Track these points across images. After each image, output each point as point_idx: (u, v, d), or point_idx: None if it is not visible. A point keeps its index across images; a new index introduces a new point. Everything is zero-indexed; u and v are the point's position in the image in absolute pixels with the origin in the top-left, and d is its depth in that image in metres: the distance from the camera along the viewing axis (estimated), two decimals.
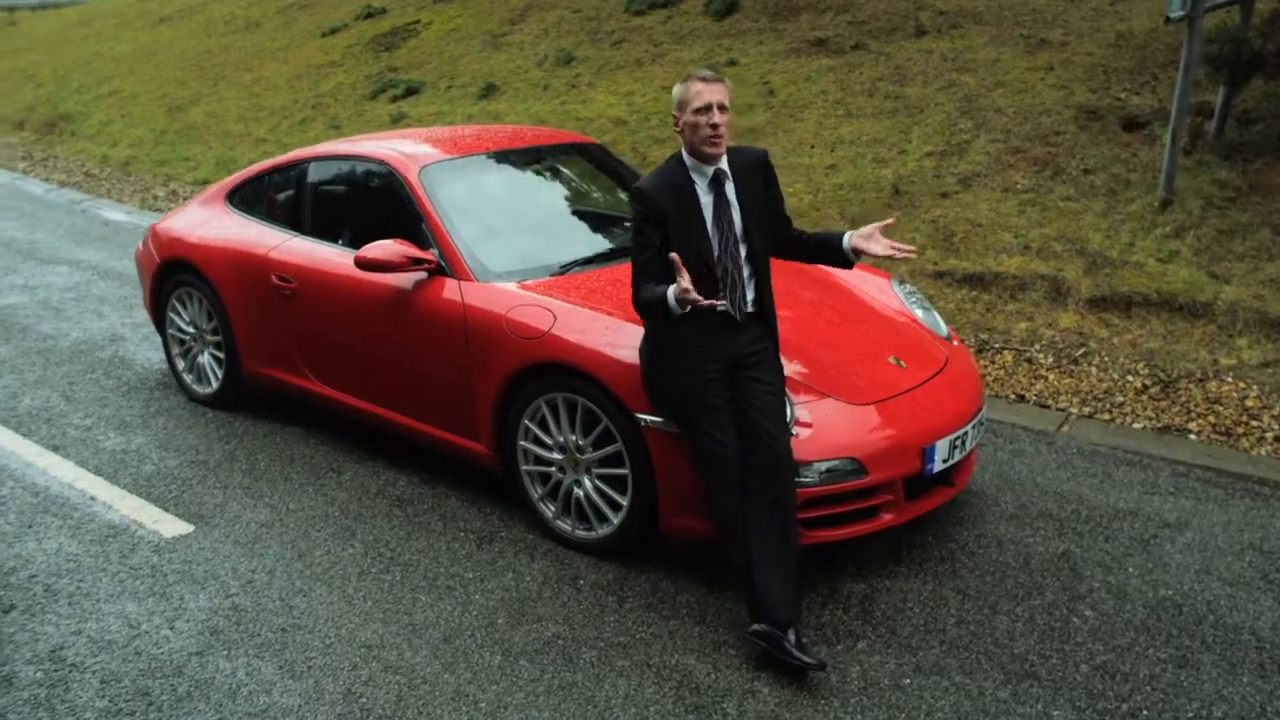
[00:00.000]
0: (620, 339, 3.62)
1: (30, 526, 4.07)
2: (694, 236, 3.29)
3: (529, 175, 4.75)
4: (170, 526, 4.06)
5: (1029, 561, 3.82)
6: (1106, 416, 5.14)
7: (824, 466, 3.46)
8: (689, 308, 3.13)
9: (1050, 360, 5.69)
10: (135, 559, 3.83)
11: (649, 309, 3.27)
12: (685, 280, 3.08)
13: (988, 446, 4.82)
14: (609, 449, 3.68)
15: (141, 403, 5.32)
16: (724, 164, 3.36)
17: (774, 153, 8.37)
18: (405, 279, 4.22)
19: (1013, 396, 5.42)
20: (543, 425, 3.86)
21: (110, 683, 3.12)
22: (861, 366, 3.83)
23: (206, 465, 4.62)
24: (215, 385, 5.18)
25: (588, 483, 3.80)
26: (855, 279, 4.54)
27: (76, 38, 20.39)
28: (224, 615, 3.48)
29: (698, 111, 3.24)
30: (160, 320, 5.44)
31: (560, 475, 3.87)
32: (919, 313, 4.44)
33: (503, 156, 4.74)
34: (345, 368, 4.57)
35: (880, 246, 3.38)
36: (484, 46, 12.64)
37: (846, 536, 3.59)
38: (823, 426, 3.51)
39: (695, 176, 3.33)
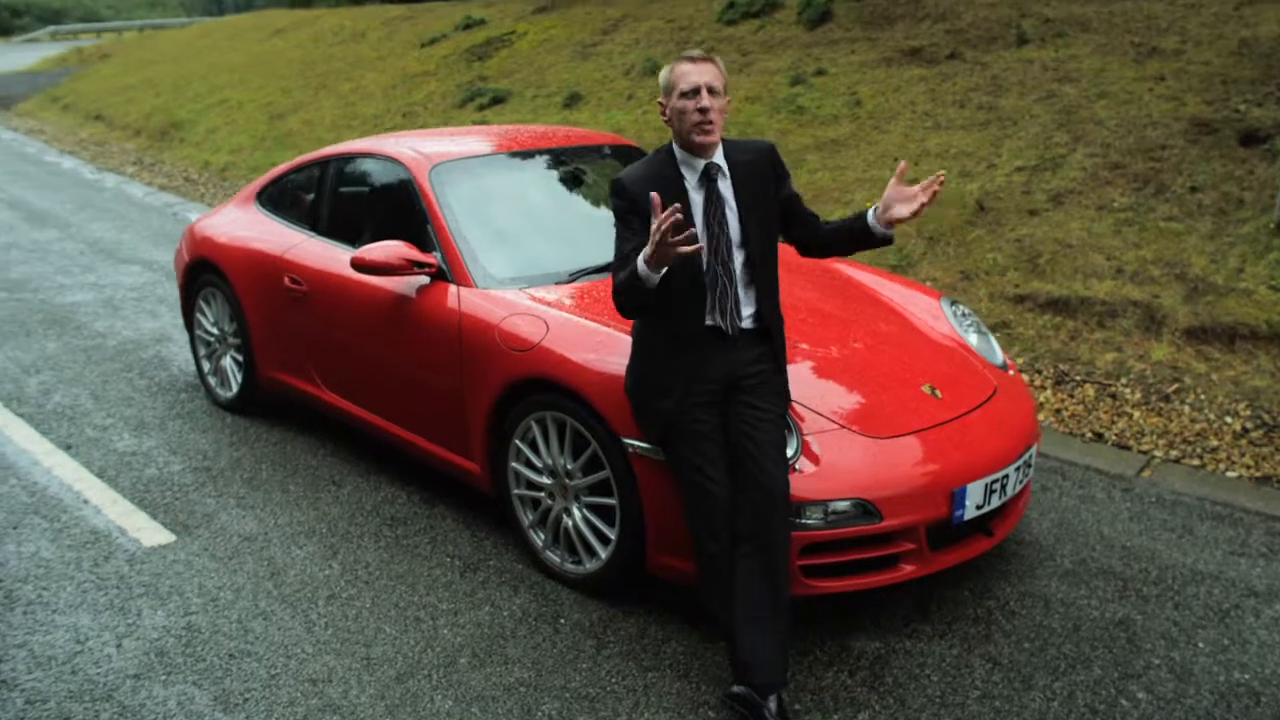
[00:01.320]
0: (615, 354, 3.26)
1: (15, 528, 3.94)
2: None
3: (552, 177, 4.45)
4: (152, 535, 3.88)
5: (1079, 628, 3.30)
6: (1196, 462, 4.54)
7: (830, 508, 3.03)
8: (664, 269, 2.72)
9: (1137, 396, 5.09)
10: (106, 568, 3.65)
11: (623, 292, 2.87)
12: (660, 216, 2.62)
13: (1051, 490, 4.29)
14: (597, 476, 3.33)
15: (165, 405, 5.20)
16: (719, 157, 2.98)
17: (855, 166, 7.91)
18: (407, 283, 3.97)
19: (1089, 435, 4.85)
20: (534, 446, 3.53)
21: (35, 703, 2.91)
22: (888, 395, 3.38)
23: (209, 472, 4.44)
24: (235, 389, 5.03)
25: (576, 512, 3.45)
26: (902, 298, 4.09)
27: (200, 49, 21.16)
28: (175, 635, 3.25)
29: (684, 95, 2.87)
30: (189, 321, 5.33)
31: (550, 502, 3.54)
32: (973, 338, 3.97)
33: (525, 157, 4.46)
34: (350, 375, 4.35)
35: (908, 207, 2.91)
36: (574, 56, 12.48)
37: (858, 588, 3.15)
38: (831, 461, 3.09)
39: (685, 170, 2.96)
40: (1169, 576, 3.62)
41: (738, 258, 2.98)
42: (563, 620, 3.34)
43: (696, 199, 2.95)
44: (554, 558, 3.56)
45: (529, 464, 3.56)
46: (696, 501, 2.91)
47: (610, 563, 3.35)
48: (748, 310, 3.02)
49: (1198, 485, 4.35)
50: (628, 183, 2.93)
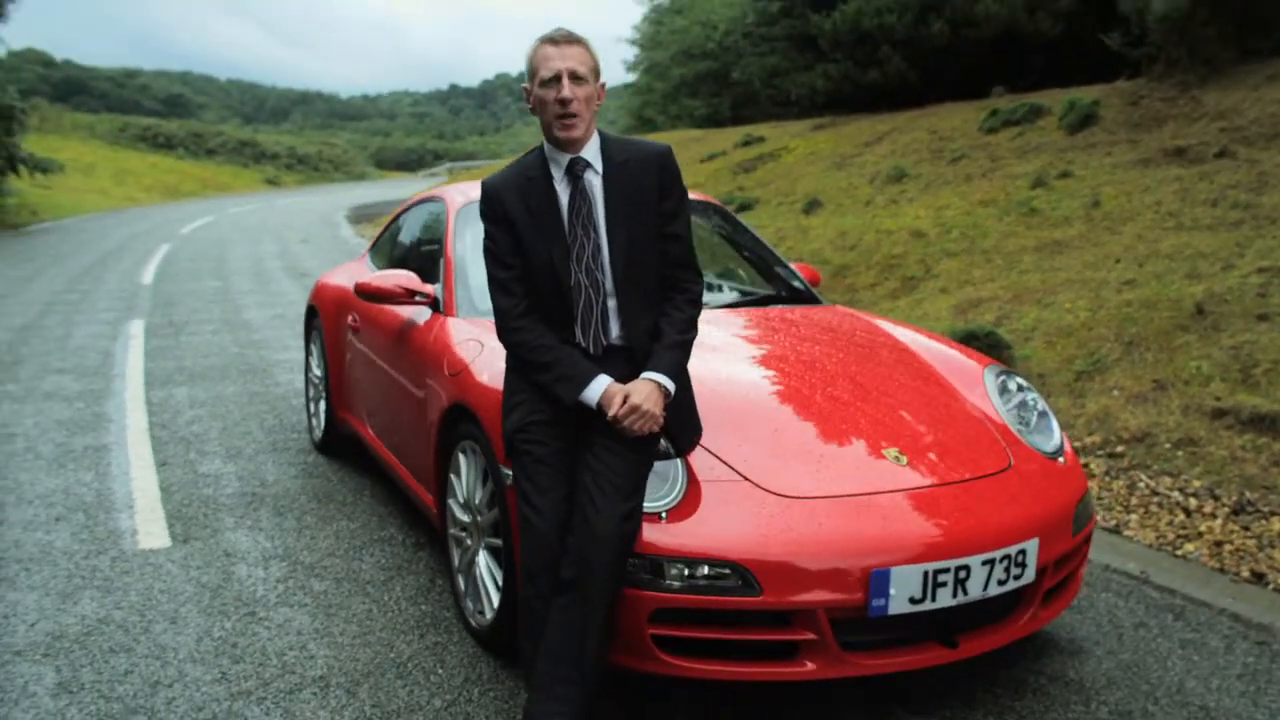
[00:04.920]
0: None
1: (57, 520, 4.21)
2: (544, 241, 2.60)
3: None
4: (151, 540, 4.00)
5: None
6: None
7: (697, 569, 2.50)
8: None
9: None
10: (91, 561, 3.78)
11: (530, 365, 2.61)
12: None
13: (1148, 628, 3.33)
14: (496, 513, 3.00)
15: (270, 441, 5.45)
16: (593, 153, 2.65)
17: (1071, 267, 6.99)
18: (414, 314, 3.90)
19: (1246, 574, 3.76)
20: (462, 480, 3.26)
21: None
22: (834, 454, 2.78)
23: (253, 496, 4.54)
24: (321, 430, 5.17)
25: (482, 555, 3.12)
26: (940, 360, 3.44)
27: None
28: (86, 625, 3.26)
29: (544, 84, 2.58)
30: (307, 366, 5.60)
31: (469, 543, 3.23)
32: (1034, 417, 3.24)
33: None
34: (370, 407, 4.32)
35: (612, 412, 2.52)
36: (830, 167, 12.27)
37: (733, 677, 2.55)
38: (710, 514, 2.56)
39: (553, 168, 2.66)
40: None
41: (604, 262, 2.60)
42: (439, 671, 2.99)
43: (564, 196, 2.63)
44: (469, 606, 3.22)
45: (458, 500, 3.28)
46: (520, 535, 2.51)
47: (500, 615, 2.97)
48: (616, 328, 2.62)
49: None
50: (490, 187, 2.69)
